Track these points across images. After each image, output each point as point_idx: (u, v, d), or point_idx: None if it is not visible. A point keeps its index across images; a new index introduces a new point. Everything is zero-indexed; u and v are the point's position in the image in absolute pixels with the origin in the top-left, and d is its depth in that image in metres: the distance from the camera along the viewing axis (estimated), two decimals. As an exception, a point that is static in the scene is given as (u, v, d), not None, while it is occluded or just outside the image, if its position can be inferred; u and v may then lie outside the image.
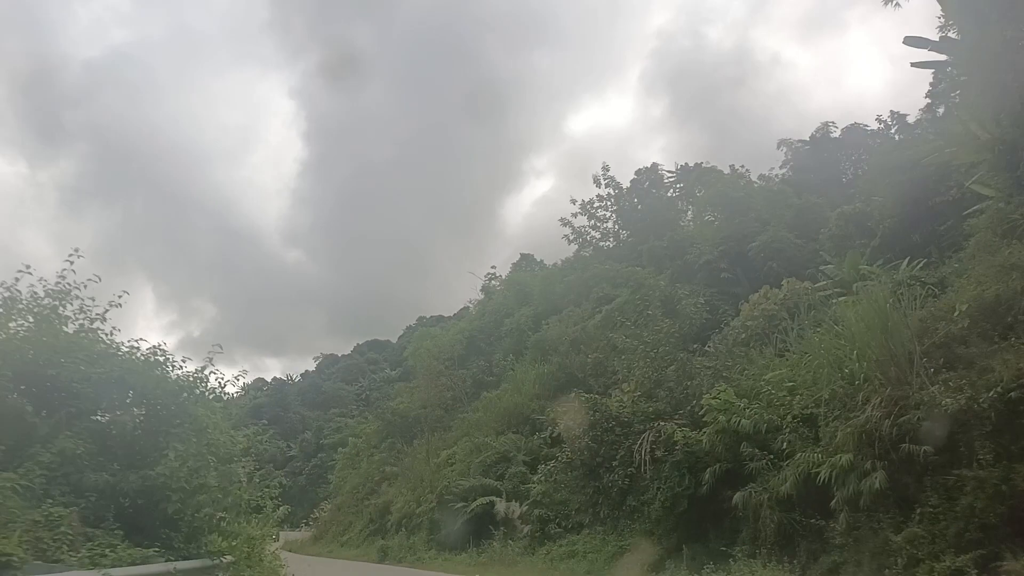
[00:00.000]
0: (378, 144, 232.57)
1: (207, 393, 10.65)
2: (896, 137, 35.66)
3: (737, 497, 14.95)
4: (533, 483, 25.12)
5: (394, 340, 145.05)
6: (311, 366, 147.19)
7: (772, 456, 14.88)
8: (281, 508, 13.73)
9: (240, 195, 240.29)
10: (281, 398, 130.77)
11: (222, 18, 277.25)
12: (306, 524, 51.43)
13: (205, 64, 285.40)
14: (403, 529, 31.85)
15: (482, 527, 25.58)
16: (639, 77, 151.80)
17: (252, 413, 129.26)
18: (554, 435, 27.83)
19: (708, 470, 15.98)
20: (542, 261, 62.58)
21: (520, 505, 24.98)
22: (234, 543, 10.90)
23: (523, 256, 65.69)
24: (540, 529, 23.13)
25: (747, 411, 15.71)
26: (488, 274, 63.60)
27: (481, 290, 61.36)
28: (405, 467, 37.34)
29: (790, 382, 16.01)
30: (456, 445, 34.16)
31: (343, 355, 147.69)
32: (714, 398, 16.47)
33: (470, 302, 60.74)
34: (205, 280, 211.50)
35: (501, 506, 25.36)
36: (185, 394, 10.20)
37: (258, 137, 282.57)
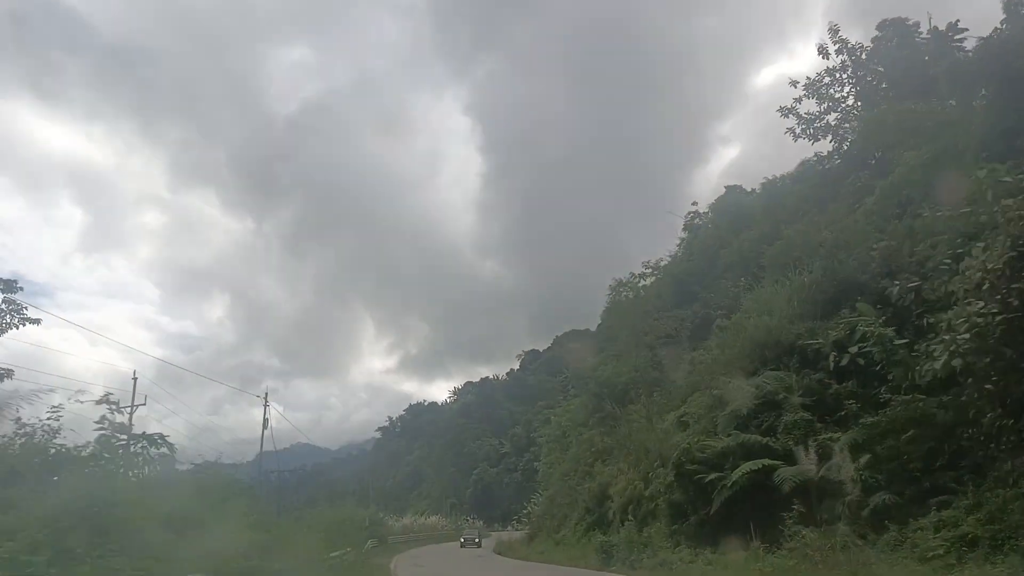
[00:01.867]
0: (554, 143, 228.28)
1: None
2: None
3: None
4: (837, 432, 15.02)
5: (593, 328, 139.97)
6: (516, 366, 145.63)
7: None
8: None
9: (434, 216, 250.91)
10: (489, 396, 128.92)
11: (393, 51, 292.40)
12: (517, 522, 44.50)
13: (387, 99, 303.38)
14: (630, 518, 22.96)
15: (760, 505, 15.90)
16: (823, 15, 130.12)
17: (461, 412, 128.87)
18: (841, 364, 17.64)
19: None
20: (753, 190, 51.01)
21: (825, 466, 14.97)
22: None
23: (729, 188, 54.28)
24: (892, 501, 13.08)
25: None
26: (690, 212, 53.15)
27: (684, 228, 51.12)
28: (621, 438, 28.47)
29: None
30: (685, 403, 24.73)
31: (544, 349, 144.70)
32: None
33: (668, 255, 50.58)
34: (414, 301, 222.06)
35: (790, 471, 15.39)
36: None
37: (442, 158, 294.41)
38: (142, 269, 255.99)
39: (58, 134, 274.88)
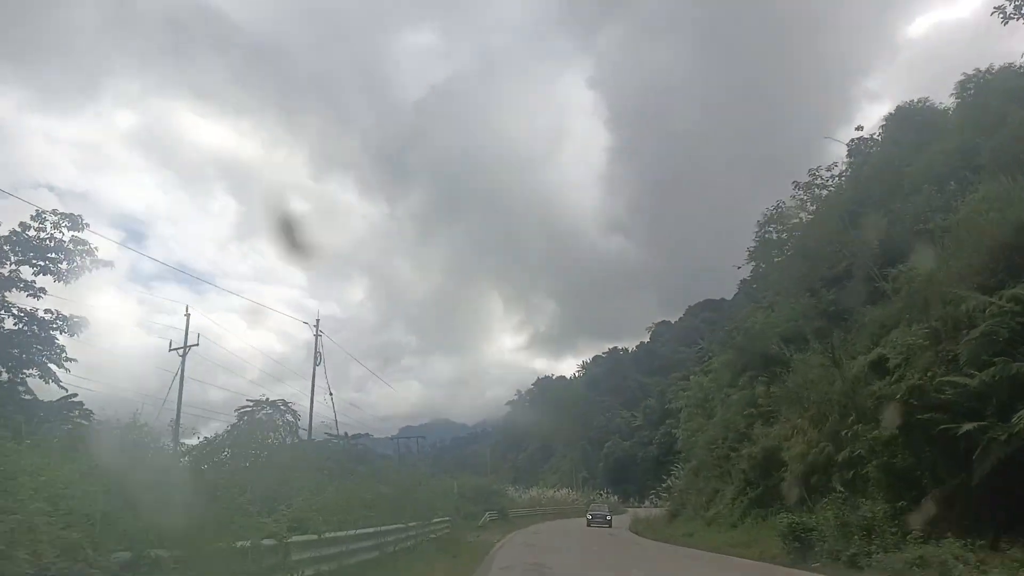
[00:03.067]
0: (683, 113, 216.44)
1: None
2: None
3: None
4: None
5: (729, 298, 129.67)
6: (647, 338, 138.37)
7: None
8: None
9: (558, 193, 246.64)
10: (617, 368, 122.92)
11: (518, 29, 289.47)
12: (656, 497, 38.93)
13: (510, 78, 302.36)
14: (818, 491, 16.88)
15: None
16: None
17: (589, 385, 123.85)
18: None
19: None
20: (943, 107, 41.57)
21: None
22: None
23: (899, 107, 44.90)
24: None
25: None
26: (854, 139, 44.52)
27: (848, 155, 42.84)
28: (792, 392, 22.17)
29: None
30: (886, 339, 18.19)
31: (676, 321, 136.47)
32: None
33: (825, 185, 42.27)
34: (541, 278, 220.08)
35: None
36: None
37: (566, 134, 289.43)
38: (290, 255, 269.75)
39: (211, 130, 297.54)
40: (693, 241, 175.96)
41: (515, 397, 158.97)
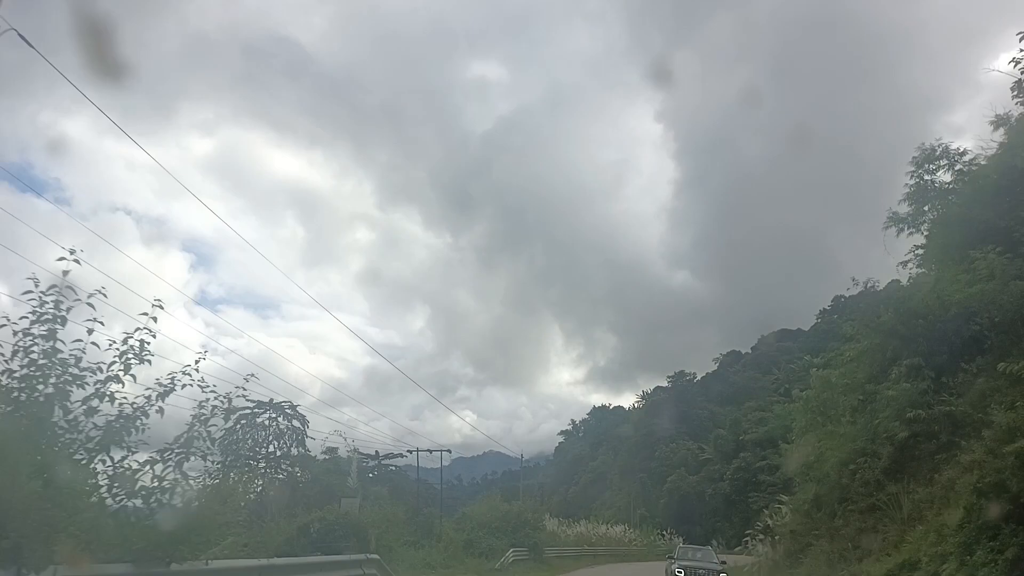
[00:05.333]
0: (753, 144, 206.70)
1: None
2: None
3: None
4: None
5: (806, 328, 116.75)
6: (713, 368, 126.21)
7: None
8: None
9: (622, 226, 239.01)
10: (684, 395, 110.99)
11: (584, 59, 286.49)
12: (751, 540, 28.51)
13: (577, 111, 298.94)
14: None
15: None
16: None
17: (650, 412, 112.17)
18: None
19: None
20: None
21: None
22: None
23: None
24: None
25: None
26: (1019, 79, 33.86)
27: (993, 120, 32.33)
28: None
29: None
30: None
31: (745, 352, 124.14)
32: None
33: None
34: (603, 312, 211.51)
35: None
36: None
37: (631, 167, 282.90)
38: (354, 283, 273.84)
39: (284, 159, 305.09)
40: (760, 278, 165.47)
41: (568, 427, 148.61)
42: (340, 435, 43.39)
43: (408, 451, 41.76)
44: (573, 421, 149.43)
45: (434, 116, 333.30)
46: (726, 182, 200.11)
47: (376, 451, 53.20)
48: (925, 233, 26.59)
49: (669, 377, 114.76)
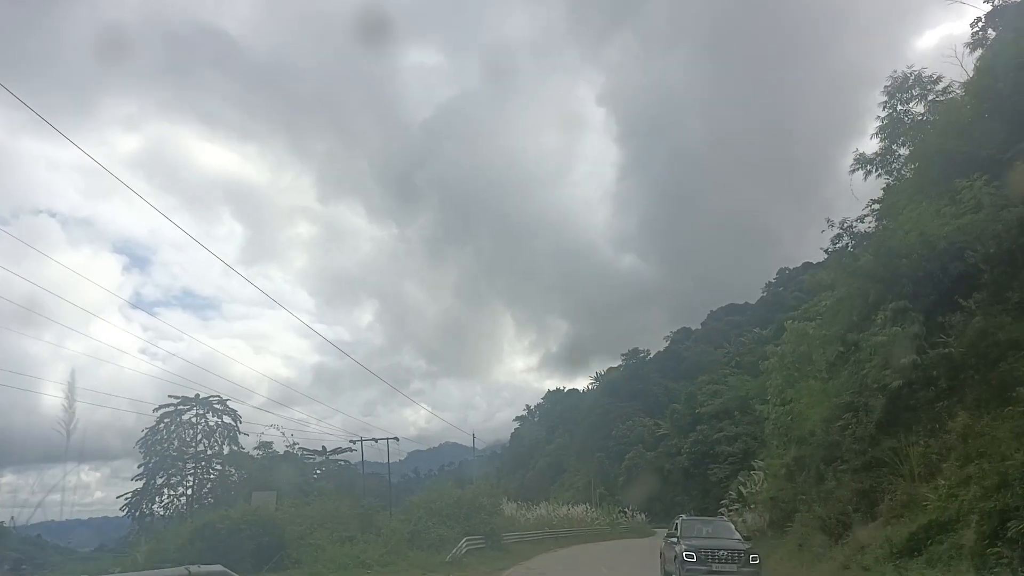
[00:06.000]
0: (693, 128, 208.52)
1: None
2: None
3: None
4: None
5: (752, 302, 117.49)
6: (663, 346, 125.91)
7: None
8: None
9: (569, 212, 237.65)
10: (638, 373, 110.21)
11: (526, 45, 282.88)
12: (718, 514, 26.56)
13: (519, 97, 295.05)
14: None
15: None
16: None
17: (606, 391, 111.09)
18: None
19: None
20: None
21: None
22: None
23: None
24: None
25: None
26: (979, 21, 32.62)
27: (969, 45, 31.29)
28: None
29: None
30: None
31: (696, 329, 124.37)
32: None
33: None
34: (553, 298, 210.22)
35: None
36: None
37: (576, 152, 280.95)
38: (297, 279, 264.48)
39: (217, 153, 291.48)
40: (706, 258, 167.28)
41: (523, 413, 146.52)
42: (276, 428, 39.93)
43: (352, 442, 38.53)
44: (528, 406, 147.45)
45: (372, 104, 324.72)
46: (668, 164, 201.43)
47: (323, 446, 49.92)
48: (897, 171, 24.77)
49: (623, 355, 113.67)
